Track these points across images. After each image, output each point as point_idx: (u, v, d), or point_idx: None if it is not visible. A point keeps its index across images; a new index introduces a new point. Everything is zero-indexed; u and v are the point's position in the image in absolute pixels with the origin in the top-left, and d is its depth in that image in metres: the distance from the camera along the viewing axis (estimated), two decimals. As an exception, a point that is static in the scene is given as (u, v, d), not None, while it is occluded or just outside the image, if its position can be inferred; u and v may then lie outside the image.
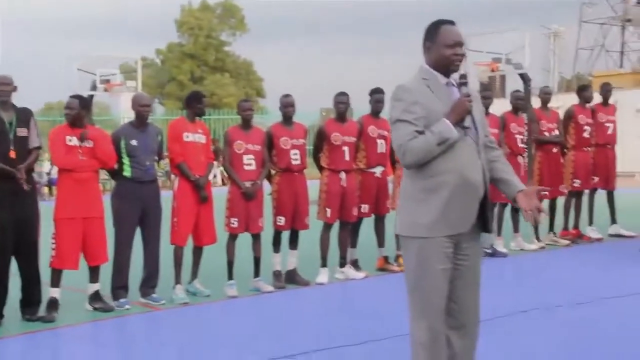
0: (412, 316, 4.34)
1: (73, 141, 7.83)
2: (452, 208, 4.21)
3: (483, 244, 4.59)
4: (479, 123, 4.35)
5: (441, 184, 4.20)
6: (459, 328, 4.37)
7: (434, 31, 4.34)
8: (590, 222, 12.47)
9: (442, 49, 4.29)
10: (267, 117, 20.68)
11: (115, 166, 8.23)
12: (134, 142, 8.24)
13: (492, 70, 9.41)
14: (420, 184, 4.27)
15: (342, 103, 9.40)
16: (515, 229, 11.34)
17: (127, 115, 8.62)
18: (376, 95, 9.76)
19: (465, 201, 4.25)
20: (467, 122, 4.25)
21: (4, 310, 7.55)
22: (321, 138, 9.40)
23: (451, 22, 4.37)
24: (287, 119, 9.21)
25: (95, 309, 7.97)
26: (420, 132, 4.17)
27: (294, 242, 9.29)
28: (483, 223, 4.37)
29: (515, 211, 10.82)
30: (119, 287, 8.17)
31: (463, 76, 4.32)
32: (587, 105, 12.24)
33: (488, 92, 11.45)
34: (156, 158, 8.58)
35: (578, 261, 10.79)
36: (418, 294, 4.29)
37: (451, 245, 4.25)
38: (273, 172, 9.15)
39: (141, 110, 8.53)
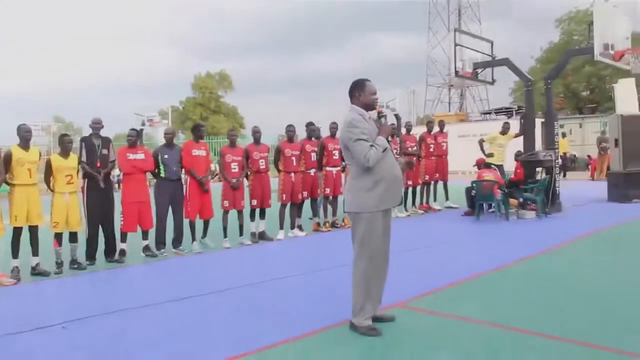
0: (358, 259, 4.40)
1: (131, 155, 7.95)
2: (387, 193, 4.38)
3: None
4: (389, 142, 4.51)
5: (381, 178, 4.34)
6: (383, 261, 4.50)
7: (363, 85, 4.48)
8: (435, 199, 12.87)
9: (369, 96, 4.47)
10: (246, 140, 20.57)
11: (156, 170, 8.28)
12: (166, 156, 8.29)
13: (379, 112, 9.61)
14: (370, 179, 4.34)
15: (291, 131, 9.51)
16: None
17: (162, 140, 8.73)
18: (310, 127, 9.90)
19: (395, 188, 4.45)
20: (389, 139, 4.46)
21: (96, 256, 7.69)
22: (279, 152, 9.48)
23: (369, 80, 4.53)
24: (257, 140, 9.24)
25: (146, 255, 8.06)
26: (372, 146, 4.28)
27: (262, 215, 9.30)
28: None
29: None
30: (160, 242, 8.24)
31: (380, 112, 4.50)
32: (432, 132, 12.53)
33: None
34: (180, 165, 8.44)
35: (429, 222, 10.98)
36: (369, 244, 4.35)
37: (383, 214, 4.43)
38: (249, 173, 9.13)
39: (167, 137, 8.63)
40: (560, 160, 13.44)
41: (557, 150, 11.98)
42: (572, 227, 9.82)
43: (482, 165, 11.81)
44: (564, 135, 24.45)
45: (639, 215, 11.07)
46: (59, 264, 7.20)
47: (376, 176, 4.35)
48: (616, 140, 13.67)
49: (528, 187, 11.27)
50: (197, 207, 8.54)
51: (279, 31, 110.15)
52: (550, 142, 11.93)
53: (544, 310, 4.95)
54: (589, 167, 24.17)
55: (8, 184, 6.82)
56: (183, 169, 8.59)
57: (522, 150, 12.25)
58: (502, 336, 4.30)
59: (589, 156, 25.44)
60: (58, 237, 7.23)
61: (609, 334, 4.29)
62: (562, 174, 22.99)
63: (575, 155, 27.10)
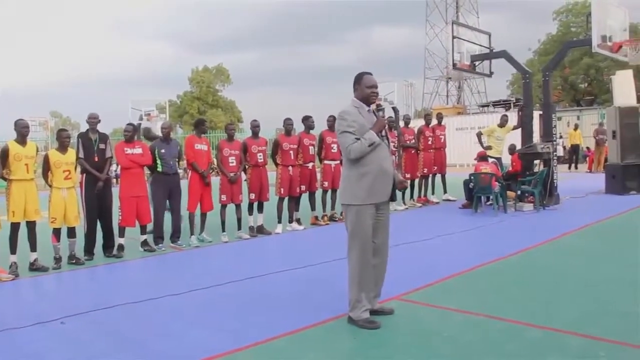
0: (351, 250, 4.44)
1: (129, 150, 7.93)
2: (375, 187, 4.36)
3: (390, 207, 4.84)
4: (387, 135, 4.53)
5: (368, 171, 4.34)
6: (377, 254, 4.50)
7: (360, 78, 4.47)
8: (432, 192, 12.87)
9: (365, 89, 4.45)
10: (244, 134, 20.65)
11: (153, 165, 8.29)
12: (162, 150, 8.30)
13: (377, 105, 9.53)
14: (356, 172, 4.37)
15: (289, 124, 9.52)
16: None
17: (160, 135, 8.83)
18: (308, 120, 9.88)
19: (383, 182, 4.41)
20: (383, 133, 4.44)
21: (94, 251, 7.72)
22: (276, 146, 9.48)
23: (370, 73, 4.51)
24: (255, 134, 9.25)
25: (145, 250, 8.09)
26: (358, 139, 4.31)
27: (260, 208, 9.33)
28: (391, 195, 4.52)
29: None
30: (158, 237, 8.28)
31: (379, 105, 4.52)
32: (430, 125, 12.57)
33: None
34: (177, 160, 8.54)
35: (426, 215, 11.06)
36: (358, 236, 4.38)
37: (374, 208, 4.41)
38: (247, 166, 9.14)
39: (164, 132, 8.61)
40: (559, 153, 13.42)
41: (555, 143, 12.01)
42: (569, 219, 9.85)
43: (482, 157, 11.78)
44: (576, 127, 24.48)
45: (635, 206, 11.13)
46: (57, 259, 7.21)
47: (363, 169, 4.37)
48: (614, 132, 13.71)
49: (526, 180, 11.29)
50: (197, 200, 8.58)
51: (276, 24, 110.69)
52: (547, 134, 11.94)
53: (540, 302, 4.99)
54: (587, 159, 24.21)
55: (5, 179, 6.81)
56: (183, 163, 8.60)
57: (515, 143, 12.31)
58: (498, 327, 4.33)
59: (587, 148, 25.48)
60: (56, 232, 7.24)
61: (603, 324, 4.33)
62: (573, 166, 23.20)
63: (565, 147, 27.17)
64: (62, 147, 7.27)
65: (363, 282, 4.43)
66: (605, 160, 16.77)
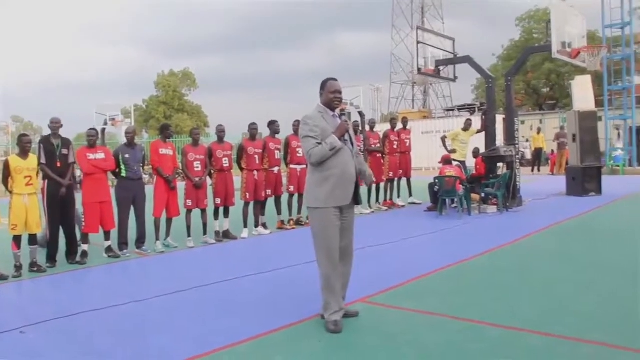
0: (317, 253, 4.49)
1: (91, 155, 7.86)
2: (337, 190, 4.41)
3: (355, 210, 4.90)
4: (352, 140, 4.60)
5: (331, 175, 4.41)
6: (342, 257, 4.52)
7: (324, 84, 4.56)
8: (398, 196, 13.00)
9: (328, 94, 4.52)
10: (210, 138, 20.52)
11: (117, 170, 8.20)
12: (127, 156, 8.21)
13: (342, 110, 9.61)
14: (319, 175, 4.44)
15: (253, 129, 9.52)
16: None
17: (124, 140, 8.71)
18: (273, 125, 9.86)
19: (345, 186, 4.45)
20: (346, 137, 4.50)
21: (57, 258, 7.58)
22: (241, 150, 9.48)
23: (334, 79, 4.58)
24: (220, 139, 9.24)
25: (109, 256, 8.00)
26: (319, 143, 4.38)
27: (226, 213, 9.31)
28: (355, 198, 4.58)
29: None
30: (122, 242, 8.17)
31: (342, 111, 4.67)
32: (395, 129, 12.70)
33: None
34: (141, 165, 8.47)
35: (391, 218, 11.14)
36: (322, 239, 4.43)
37: (338, 211, 4.45)
38: (212, 171, 9.13)
39: (128, 137, 8.53)
40: (521, 155, 13.68)
41: (522, 146, 12.27)
42: (531, 220, 10.07)
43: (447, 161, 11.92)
44: (539, 130, 25.02)
45: (594, 208, 11.44)
46: (18, 267, 7.06)
47: (325, 173, 4.43)
48: (574, 136, 14.06)
49: (489, 182, 11.48)
50: (163, 205, 8.53)
51: (243, 29, 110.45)
52: (510, 137, 12.17)
53: (502, 302, 5.09)
54: (549, 162, 24.75)
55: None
56: (149, 168, 8.50)
57: (479, 147, 12.52)
58: (460, 328, 4.40)
59: (552, 151, 26.08)
60: (16, 239, 7.08)
61: (563, 322, 4.44)
62: (536, 168, 23.68)
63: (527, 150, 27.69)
64: (24, 153, 7.13)
65: (332, 286, 4.46)
66: (567, 162, 17.21)
